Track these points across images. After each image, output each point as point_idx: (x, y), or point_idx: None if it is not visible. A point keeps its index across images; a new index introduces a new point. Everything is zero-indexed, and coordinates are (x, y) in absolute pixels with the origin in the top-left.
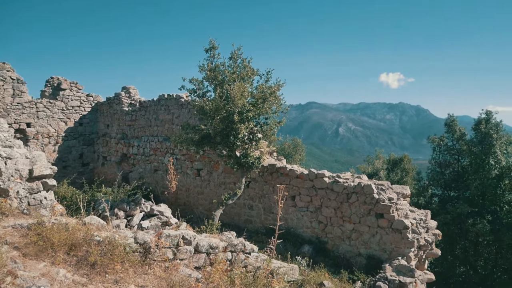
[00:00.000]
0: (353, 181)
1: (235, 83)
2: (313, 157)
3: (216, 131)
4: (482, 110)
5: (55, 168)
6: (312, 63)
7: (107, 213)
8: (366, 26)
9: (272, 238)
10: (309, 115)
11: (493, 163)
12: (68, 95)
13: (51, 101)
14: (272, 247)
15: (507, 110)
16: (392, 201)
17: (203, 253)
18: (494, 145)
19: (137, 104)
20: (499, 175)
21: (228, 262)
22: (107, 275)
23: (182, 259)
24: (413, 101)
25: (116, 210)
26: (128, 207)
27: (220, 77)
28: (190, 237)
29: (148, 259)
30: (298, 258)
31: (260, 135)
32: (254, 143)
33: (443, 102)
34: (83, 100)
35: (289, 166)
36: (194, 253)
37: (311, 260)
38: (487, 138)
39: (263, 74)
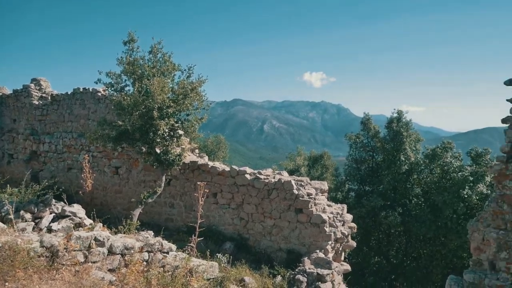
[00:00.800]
0: (274, 178)
1: (155, 78)
2: (238, 154)
3: (135, 127)
4: (394, 109)
5: None
6: (239, 59)
7: (11, 216)
8: (289, 23)
9: (193, 236)
10: (234, 112)
11: (403, 159)
12: None
13: None
14: (193, 245)
15: (418, 110)
16: (310, 196)
17: (118, 254)
18: (404, 142)
19: (49, 98)
20: (409, 170)
21: (144, 262)
22: (6, 283)
23: (94, 262)
24: (335, 100)
25: (22, 212)
26: (36, 209)
27: (139, 71)
28: (104, 238)
29: (56, 264)
30: (219, 255)
31: (181, 132)
32: (175, 140)
33: (362, 101)
34: None
35: (211, 163)
36: (108, 254)
37: (231, 256)
38: (398, 136)
39: (185, 70)
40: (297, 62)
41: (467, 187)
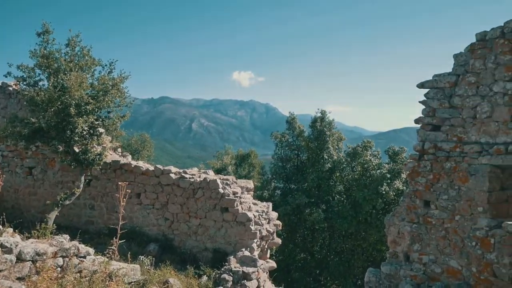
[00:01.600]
0: (200, 177)
1: (72, 72)
2: (165, 153)
3: (50, 124)
4: (318, 109)
5: None
6: (166, 56)
7: None
8: (219, 23)
9: (114, 238)
10: (162, 110)
11: (326, 157)
12: None
13: None
14: (114, 248)
15: (344, 110)
16: (236, 195)
17: (28, 261)
18: (327, 141)
19: None
20: (332, 168)
21: (59, 268)
22: None
23: (0, 271)
24: (263, 99)
25: None
26: None
27: (55, 65)
28: (11, 245)
29: None
30: (142, 257)
31: (102, 130)
32: (95, 138)
33: (290, 101)
34: None
35: (134, 163)
36: (16, 262)
37: (154, 258)
38: (321, 135)
39: (106, 65)
40: (226, 60)
41: (385, 183)
